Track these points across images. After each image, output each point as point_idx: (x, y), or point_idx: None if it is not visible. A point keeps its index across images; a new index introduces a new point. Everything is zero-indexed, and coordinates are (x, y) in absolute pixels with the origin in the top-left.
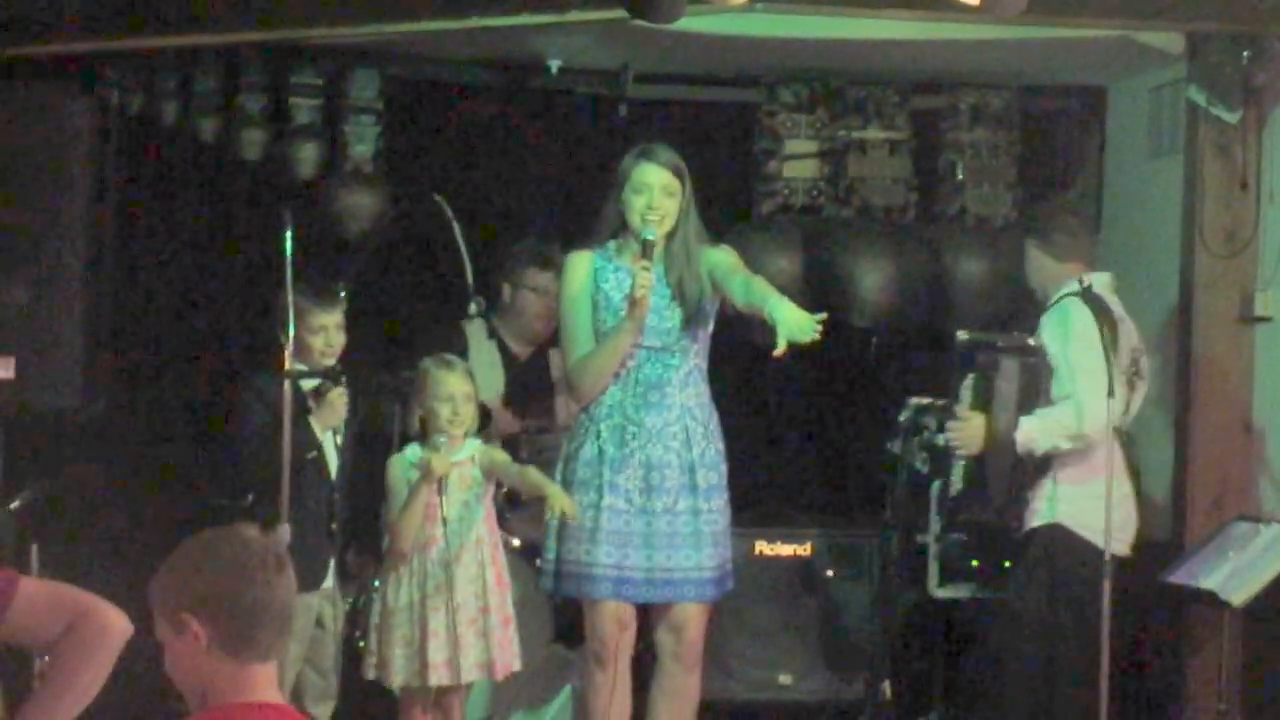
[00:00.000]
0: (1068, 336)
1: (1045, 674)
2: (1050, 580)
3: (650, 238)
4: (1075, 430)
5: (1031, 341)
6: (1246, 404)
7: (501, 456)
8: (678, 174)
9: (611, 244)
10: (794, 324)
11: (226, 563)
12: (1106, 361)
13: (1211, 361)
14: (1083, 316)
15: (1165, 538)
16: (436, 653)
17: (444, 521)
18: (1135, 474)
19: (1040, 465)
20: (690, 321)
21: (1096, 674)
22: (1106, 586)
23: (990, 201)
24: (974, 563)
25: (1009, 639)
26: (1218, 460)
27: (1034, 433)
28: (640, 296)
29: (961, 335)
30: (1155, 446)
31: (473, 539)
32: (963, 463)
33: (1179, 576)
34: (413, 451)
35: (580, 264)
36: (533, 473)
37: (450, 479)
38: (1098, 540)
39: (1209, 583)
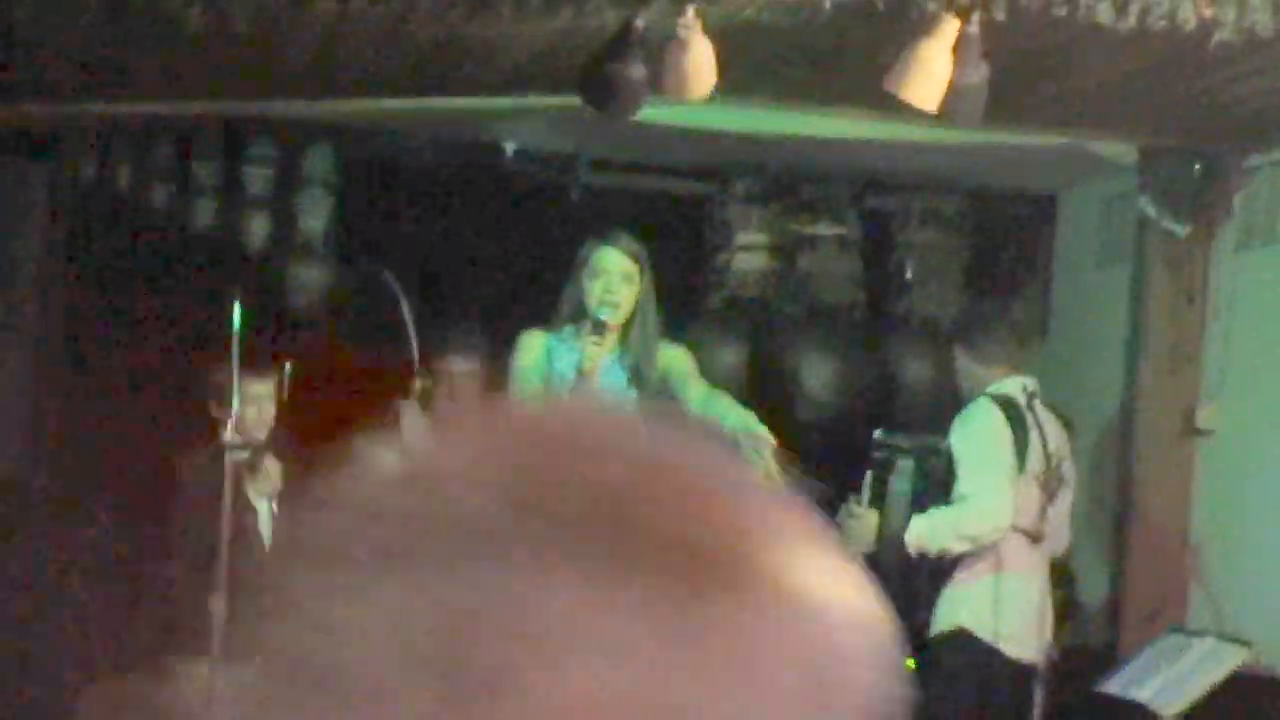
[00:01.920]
0: (966, 435)
1: None
2: (954, 688)
3: (603, 318)
4: (964, 530)
5: (943, 445)
6: (1185, 517)
7: None
8: (637, 260)
9: (569, 327)
10: (753, 444)
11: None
12: (1006, 463)
13: (1152, 473)
14: (985, 417)
15: (1099, 647)
16: None
17: None
18: (1065, 581)
19: (939, 568)
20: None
21: None
22: (1038, 695)
23: (938, 303)
24: (910, 662)
25: None
26: (1154, 572)
27: (924, 532)
28: (589, 369)
29: (878, 434)
30: (1092, 555)
31: None
32: (856, 561)
33: (1111, 687)
34: None
35: (533, 341)
36: None
37: None
38: (1004, 646)
39: (1141, 695)
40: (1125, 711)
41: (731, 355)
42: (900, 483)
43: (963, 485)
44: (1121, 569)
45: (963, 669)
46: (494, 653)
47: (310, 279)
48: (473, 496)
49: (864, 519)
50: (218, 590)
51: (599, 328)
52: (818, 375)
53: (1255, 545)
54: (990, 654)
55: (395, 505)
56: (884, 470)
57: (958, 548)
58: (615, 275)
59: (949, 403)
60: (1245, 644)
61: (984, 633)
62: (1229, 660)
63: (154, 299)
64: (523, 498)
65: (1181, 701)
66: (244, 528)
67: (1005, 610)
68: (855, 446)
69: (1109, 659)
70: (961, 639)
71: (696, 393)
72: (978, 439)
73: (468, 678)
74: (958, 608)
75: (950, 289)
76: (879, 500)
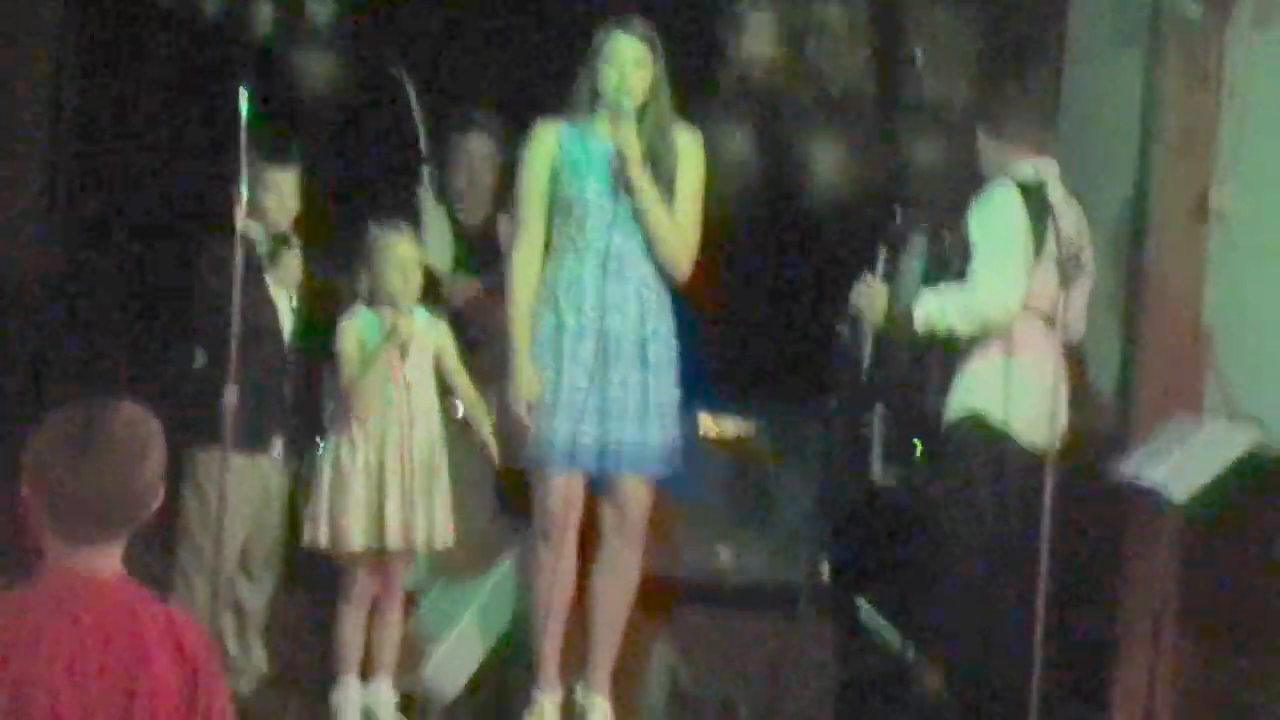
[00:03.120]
0: (983, 216)
1: (975, 566)
2: (971, 471)
3: (625, 107)
4: (973, 311)
5: (960, 225)
6: (1198, 300)
7: (450, 348)
8: (650, 45)
9: (586, 114)
10: None
11: (48, 442)
12: (1021, 245)
13: (1164, 257)
14: (1004, 198)
15: (1110, 432)
16: (393, 515)
17: (406, 385)
18: (1078, 368)
19: (952, 349)
20: (660, 191)
21: (1031, 569)
22: (1048, 482)
23: (949, 87)
24: (916, 444)
25: (940, 528)
26: (1167, 356)
27: (932, 309)
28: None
29: (897, 213)
30: (1104, 341)
31: (425, 406)
32: (871, 335)
33: (1122, 471)
34: (363, 316)
35: (546, 134)
36: (472, 394)
37: (411, 344)
38: (1017, 432)
39: (1153, 478)
40: (1136, 495)
41: (741, 142)
42: (913, 259)
43: (975, 266)
44: (1133, 353)
45: (975, 454)
46: None
47: (318, 69)
48: None
49: (876, 291)
50: (231, 381)
51: (619, 119)
52: (829, 162)
53: (1268, 327)
54: (1003, 439)
55: None
56: (898, 246)
57: (966, 328)
58: (629, 61)
59: (963, 188)
60: (1257, 425)
61: (995, 415)
62: (1241, 441)
63: (163, 91)
64: None
65: (1193, 484)
66: (260, 321)
67: (1017, 394)
68: (866, 233)
69: (1120, 444)
70: (973, 424)
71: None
72: (994, 220)
73: None
74: (971, 393)
75: (960, 75)
76: (892, 276)
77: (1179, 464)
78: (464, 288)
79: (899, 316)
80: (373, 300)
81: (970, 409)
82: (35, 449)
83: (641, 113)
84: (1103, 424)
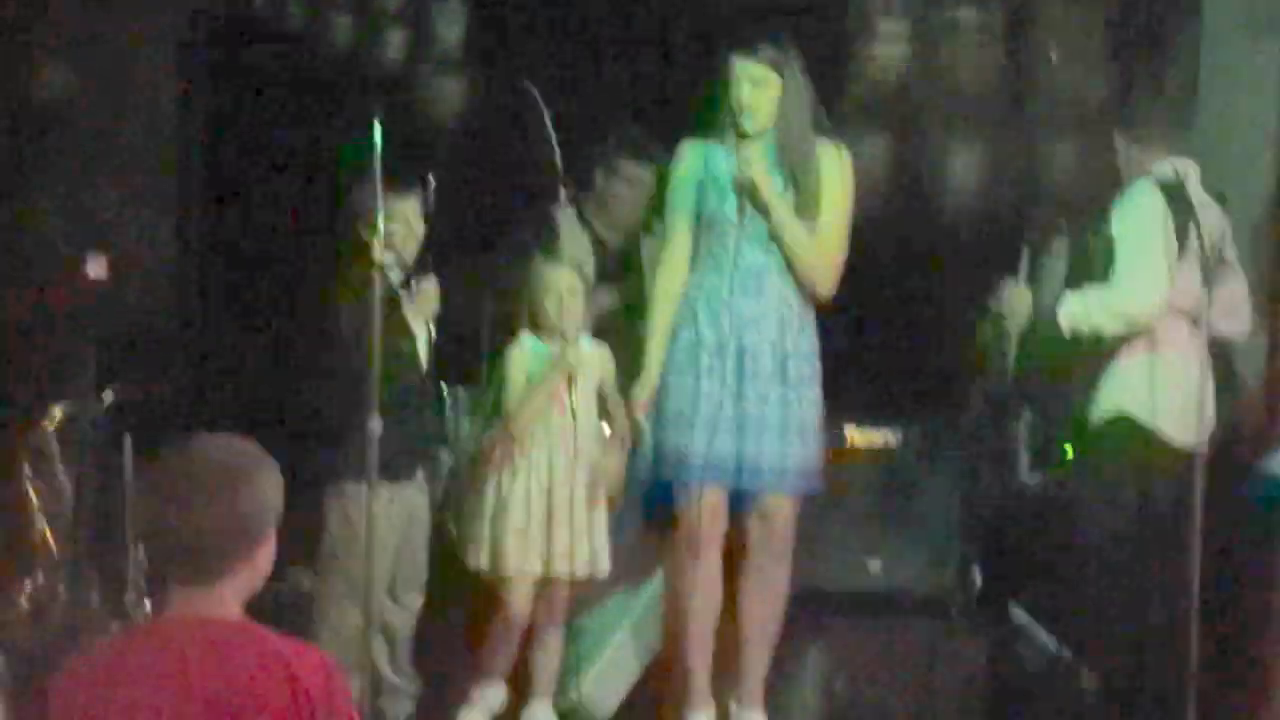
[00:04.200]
0: (1126, 216)
1: (1127, 564)
2: (1118, 470)
3: (744, 129)
4: (1118, 309)
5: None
6: None
7: (611, 375)
8: (774, 66)
9: (723, 133)
10: None
11: (149, 483)
12: (1165, 244)
13: None
14: (1147, 198)
15: (1259, 430)
16: (559, 542)
17: (573, 414)
18: (1227, 367)
19: (1095, 351)
20: (800, 209)
21: (1182, 568)
22: (1199, 479)
23: (1082, 85)
24: (1066, 448)
25: (1089, 528)
26: None
27: (1077, 309)
28: (744, 175)
29: (1040, 220)
30: (1250, 339)
31: (590, 434)
32: (1015, 339)
33: (1274, 467)
34: (530, 341)
35: (692, 150)
36: (624, 420)
37: (578, 373)
38: (1165, 431)
39: None
40: None
41: (873, 146)
42: (1056, 261)
43: (1120, 265)
44: (1276, 349)
45: (1124, 454)
46: None
47: (449, 91)
48: None
49: (1019, 294)
50: (373, 411)
51: (742, 135)
52: (965, 166)
53: None
54: (1150, 437)
55: None
56: (1040, 249)
57: (1111, 327)
58: (746, 83)
59: (1102, 189)
60: None
61: (1143, 414)
62: None
63: (294, 122)
64: None
65: None
66: (400, 350)
67: (1162, 390)
68: (1004, 237)
69: (1270, 440)
70: (1122, 423)
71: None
72: (1137, 219)
73: None
74: (1118, 391)
75: (1095, 73)
76: (1036, 279)
77: None
78: (605, 300)
79: (1043, 318)
80: (535, 329)
81: (1118, 409)
82: (139, 489)
83: (774, 132)
84: (1252, 421)
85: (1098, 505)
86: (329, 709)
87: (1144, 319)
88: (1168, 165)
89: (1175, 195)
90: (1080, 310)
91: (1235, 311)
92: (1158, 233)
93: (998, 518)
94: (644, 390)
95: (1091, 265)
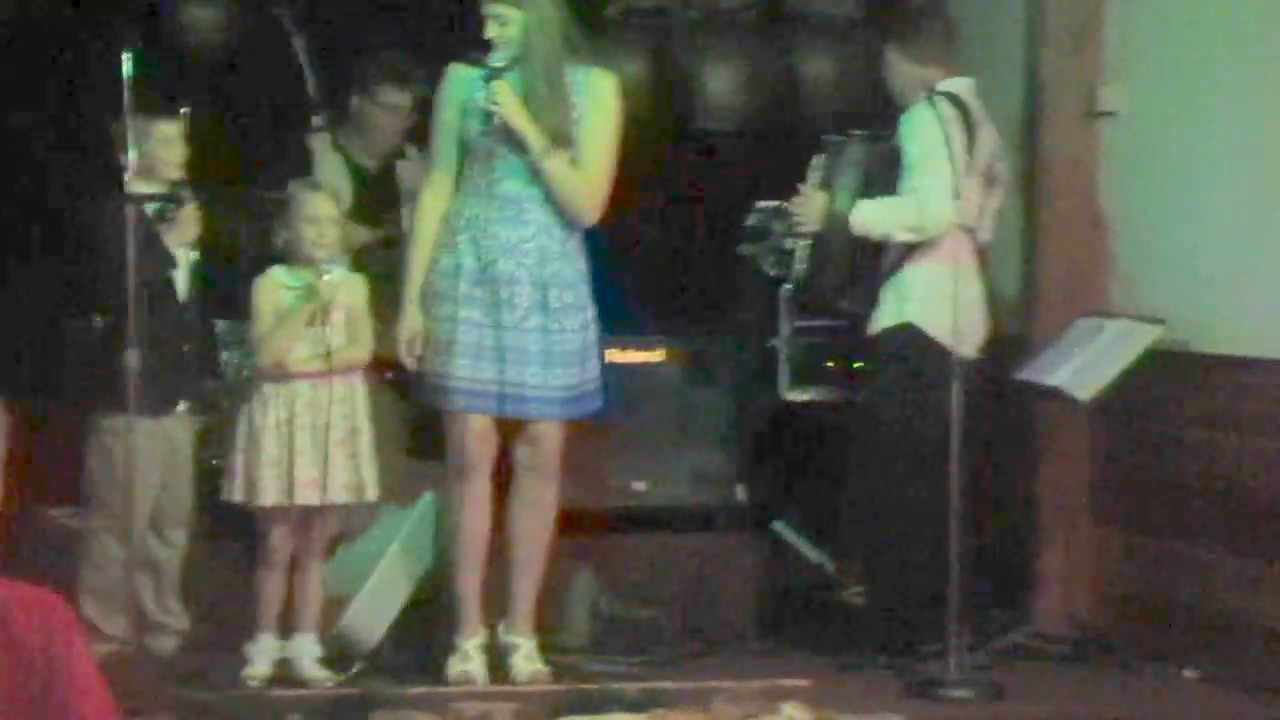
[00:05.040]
0: (917, 133)
1: (899, 475)
2: (901, 380)
3: (494, 65)
4: (912, 221)
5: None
6: (1094, 199)
7: (362, 304)
8: (513, 0)
9: (494, 56)
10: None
11: None
12: (953, 160)
13: (1059, 158)
14: (935, 115)
15: (1015, 334)
16: (303, 471)
17: (325, 343)
18: (988, 278)
19: (886, 258)
20: (555, 141)
21: (947, 481)
22: (955, 389)
23: (836, 2)
24: (827, 364)
25: (863, 439)
26: (1067, 256)
27: (870, 215)
28: (496, 112)
29: (830, 137)
30: (1004, 243)
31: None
32: (807, 244)
33: (1028, 373)
34: (280, 272)
35: (456, 74)
36: (369, 345)
37: (331, 302)
38: (948, 342)
39: (1056, 379)
40: (1041, 396)
41: (633, 66)
42: (849, 167)
43: (914, 179)
44: (1034, 255)
45: (908, 363)
46: None
47: (202, 18)
48: None
49: (813, 197)
50: (132, 344)
51: (487, 75)
52: (718, 81)
53: (1164, 223)
54: (936, 349)
55: None
56: (836, 154)
57: (902, 236)
58: (492, 21)
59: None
60: (1158, 322)
61: (930, 329)
62: (1142, 339)
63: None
64: None
65: (1097, 383)
66: (159, 280)
67: (947, 303)
68: (764, 149)
69: (1023, 346)
70: (909, 333)
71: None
72: (930, 135)
73: None
74: (904, 303)
75: None
76: (825, 183)
77: (1083, 364)
78: (361, 233)
79: (836, 221)
80: (289, 257)
81: (904, 318)
82: None
83: (522, 62)
84: (1006, 326)
85: (879, 412)
86: (47, 652)
87: (934, 231)
88: (953, 82)
89: (963, 111)
90: (874, 215)
91: (992, 223)
92: (948, 147)
93: (761, 433)
94: (404, 329)
95: (884, 175)
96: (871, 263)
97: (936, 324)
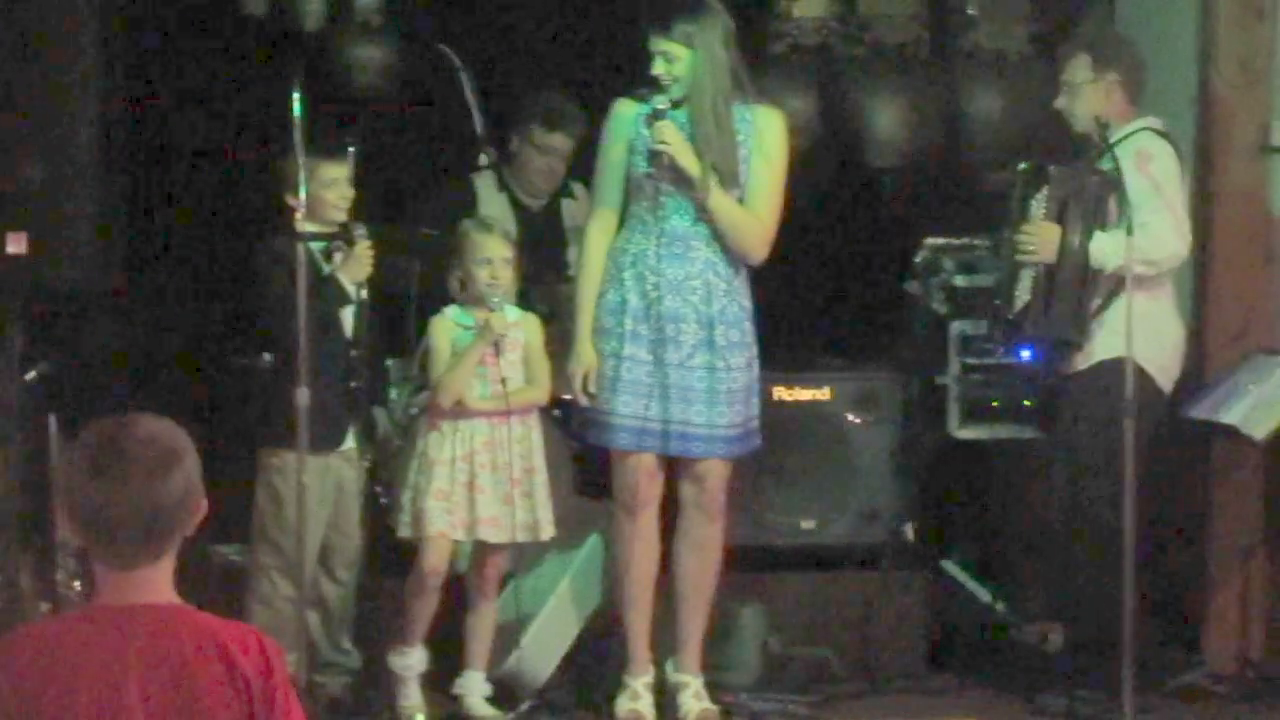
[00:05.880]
0: (1147, 162)
1: (1106, 512)
2: (1114, 415)
3: (659, 106)
4: (1154, 255)
5: (1104, 169)
6: (1266, 234)
7: (538, 342)
8: (685, 38)
9: (659, 96)
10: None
11: (72, 465)
12: (1181, 190)
13: (1231, 192)
14: (1166, 149)
15: (1186, 370)
16: (485, 509)
17: (503, 381)
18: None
19: (1096, 290)
20: (722, 180)
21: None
22: (1128, 425)
23: (1003, 36)
24: (994, 403)
25: (1069, 472)
26: (1238, 293)
27: (1107, 248)
28: (656, 150)
29: (1023, 165)
30: (1177, 278)
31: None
32: (1030, 274)
33: (1200, 411)
34: (454, 312)
35: (625, 109)
36: (546, 384)
37: (504, 340)
38: (1157, 377)
39: (1230, 417)
40: (1215, 435)
41: (799, 104)
42: (1081, 200)
43: (1148, 213)
44: (1204, 290)
45: (1114, 397)
46: None
47: (369, 57)
48: None
49: (1047, 230)
50: (302, 382)
51: (656, 115)
52: (885, 118)
53: None
54: (1148, 385)
55: None
56: (1066, 187)
57: (1138, 270)
58: (659, 58)
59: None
60: None
61: (1151, 365)
62: None
63: (212, 89)
64: None
65: (1271, 421)
66: (328, 318)
67: (1157, 339)
68: (925, 187)
69: (1194, 382)
70: (1116, 368)
71: (756, 177)
72: (1166, 168)
73: None
74: (1118, 335)
75: (1015, 20)
76: (1055, 216)
77: (1257, 402)
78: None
79: (1069, 256)
80: (463, 296)
81: (1121, 351)
82: (63, 473)
83: (690, 103)
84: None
85: (1089, 450)
86: (266, 692)
87: (1168, 266)
88: (1147, 119)
89: (1172, 143)
90: (1112, 249)
91: None
92: (1176, 182)
93: (930, 474)
94: (578, 363)
95: (1103, 207)
96: (1098, 296)
97: (1151, 359)
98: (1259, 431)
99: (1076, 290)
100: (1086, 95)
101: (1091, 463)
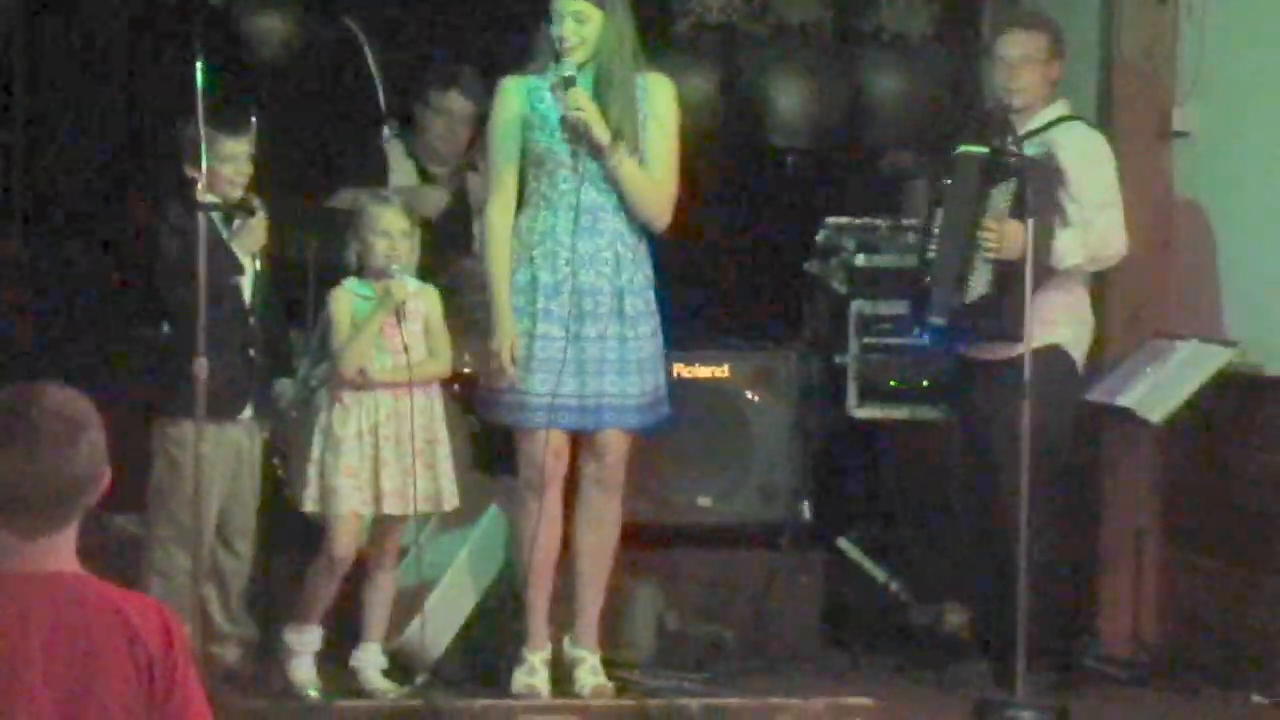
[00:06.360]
0: (1094, 160)
1: (1042, 496)
2: (1041, 401)
3: (567, 73)
4: (1104, 252)
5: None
6: (1165, 221)
7: (437, 312)
8: (594, 1)
9: (551, 67)
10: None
11: None
12: (1118, 185)
13: (1132, 177)
14: (1102, 140)
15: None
16: (388, 481)
17: (405, 349)
18: None
19: (1043, 284)
20: (626, 145)
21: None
22: (1026, 407)
23: (906, 18)
24: (892, 383)
25: (999, 458)
26: (1138, 277)
27: (1066, 248)
28: (577, 117)
29: (965, 149)
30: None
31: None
32: (989, 268)
33: (1096, 394)
34: (353, 283)
35: (512, 89)
36: (447, 357)
37: (405, 309)
38: (1079, 362)
39: (1127, 400)
40: (1111, 417)
41: (702, 82)
42: (1036, 195)
43: (1093, 209)
44: (1103, 274)
45: (1052, 385)
46: None
47: (271, 29)
48: None
49: (1011, 226)
50: (200, 352)
51: (566, 81)
52: (788, 99)
53: (1235, 245)
54: (1073, 372)
55: None
56: (1024, 180)
57: (1089, 267)
58: (569, 18)
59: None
60: (1230, 344)
61: (1077, 352)
62: (1214, 361)
63: (112, 57)
64: None
65: (1167, 404)
66: (225, 288)
67: (1082, 332)
68: (828, 167)
69: (1092, 367)
70: (1056, 354)
71: (654, 144)
72: (1104, 164)
73: None
74: (1052, 325)
75: (919, 2)
76: (1015, 211)
77: (1153, 385)
78: (434, 198)
79: (1035, 254)
80: (363, 267)
81: (1051, 340)
82: None
83: (596, 67)
84: None
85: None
86: (166, 664)
87: (1112, 261)
88: (1058, 105)
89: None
90: (1067, 247)
91: None
92: (1114, 175)
93: (828, 453)
94: (505, 338)
95: (1048, 198)
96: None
97: (1077, 347)
98: (1155, 414)
99: (1020, 284)
100: (1033, 73)
101: (1009, 443)
